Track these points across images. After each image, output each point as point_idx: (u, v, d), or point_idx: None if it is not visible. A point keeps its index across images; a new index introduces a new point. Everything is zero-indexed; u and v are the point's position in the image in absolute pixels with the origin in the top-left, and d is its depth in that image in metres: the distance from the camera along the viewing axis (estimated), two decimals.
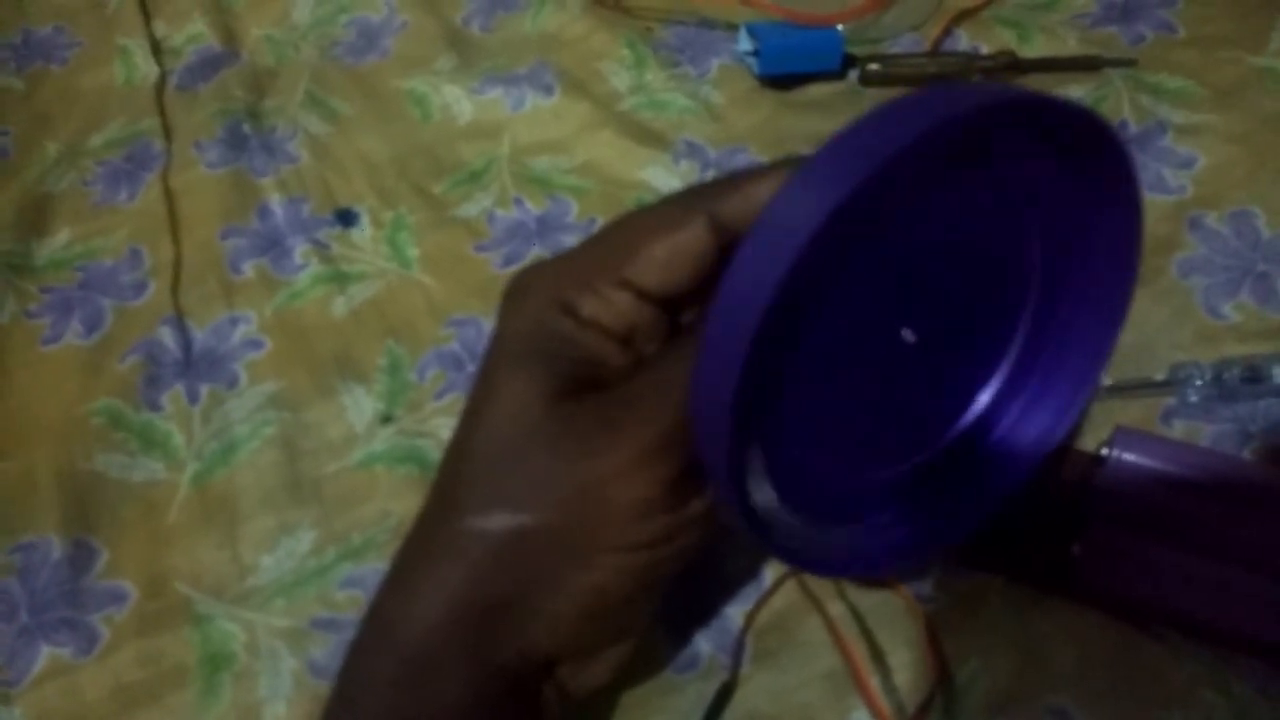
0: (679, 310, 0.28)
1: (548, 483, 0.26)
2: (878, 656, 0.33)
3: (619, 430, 0.25)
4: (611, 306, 0.27)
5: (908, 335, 0.28)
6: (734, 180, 0.27)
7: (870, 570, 0.33)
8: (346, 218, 0.49)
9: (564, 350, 0.27)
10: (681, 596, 0.34)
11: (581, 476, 0.25)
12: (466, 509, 0.26)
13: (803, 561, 0.29)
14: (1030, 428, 0.32)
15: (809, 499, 0.28)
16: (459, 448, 0.27)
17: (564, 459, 0.26)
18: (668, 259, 0.27)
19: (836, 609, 0.34)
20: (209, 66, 0.58)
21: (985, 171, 0.26)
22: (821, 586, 0.34)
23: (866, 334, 0.27)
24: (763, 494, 0.26)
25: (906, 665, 0.33)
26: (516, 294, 0.28)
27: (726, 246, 0.27)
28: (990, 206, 0.27)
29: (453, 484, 0.27)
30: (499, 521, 0.26)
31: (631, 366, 0.27)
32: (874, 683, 0.32)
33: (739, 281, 0.22)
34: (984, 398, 0.32)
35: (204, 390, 0.43)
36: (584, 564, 0.26)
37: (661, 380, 0.26)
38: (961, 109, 0.21)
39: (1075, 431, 0.36)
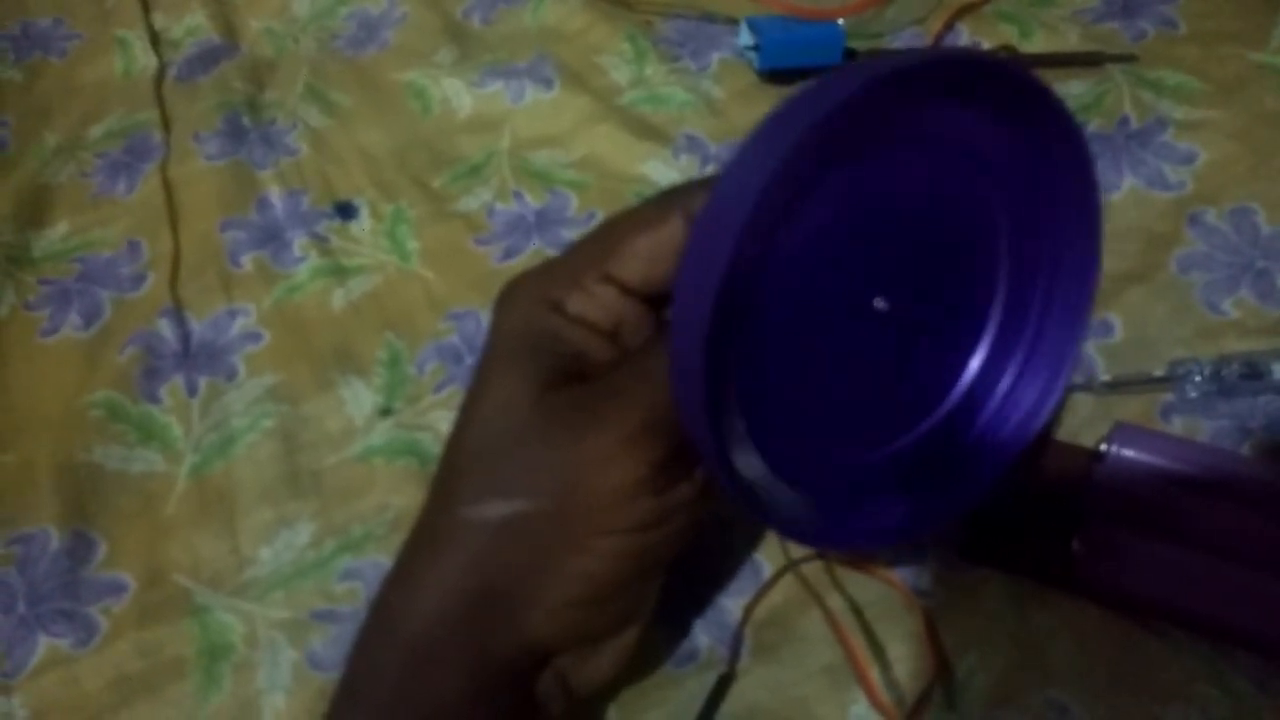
0: (663, 306, 0.29)
1: (537, 469, 0.26)
2: (876, 650, 0.33)
3: (604, 415, 0.26)
4: (596, 301, 0.28)
5: (880, 304, 0.28)
6: (713, 178, 0.28)
7: (864, 546, 0.33)
8: (346, 211, 0.49)
9: (552, 345, 0.27)
10: (680, 590, 0.34)
11: (569, 461, 0.26)
12: (461, 500, 0.27)
13: (796, 533, 0.30)
14: (1015, 407, 0.32)
15: (802, 475, 0.29)
16: (454, 442, 0.28)
17: (552, 445, 0.26)
18: (648, 254, 0.28)
19: (835, 602, 0.34)
20: (208, 58, 0.58)
21: (926, 138, 0.26)
22: (820, 580, 0.34)
23: (837, 302, 0.27)
24: (752, 468, 0.26)
25: (905, 659, 0.33)
26: (507, 296, 0.29)
27: None
28: (944, 176, 0.27)
29: (448, 477, 0.28)
30: (492, 510, 0.26)
31: (618, 359, 0.28)
32: (874, 675, 0.32)
33: (696, 254, 0.23)
34: (968, 375, 0.32)
35: (203, 382, 0.43)
36: (576, 548, 0.26)
37: (644, 367, 0.27)
38: (878, 74, 0.22)
39: (1059, 417, 0.36)
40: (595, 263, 0.28)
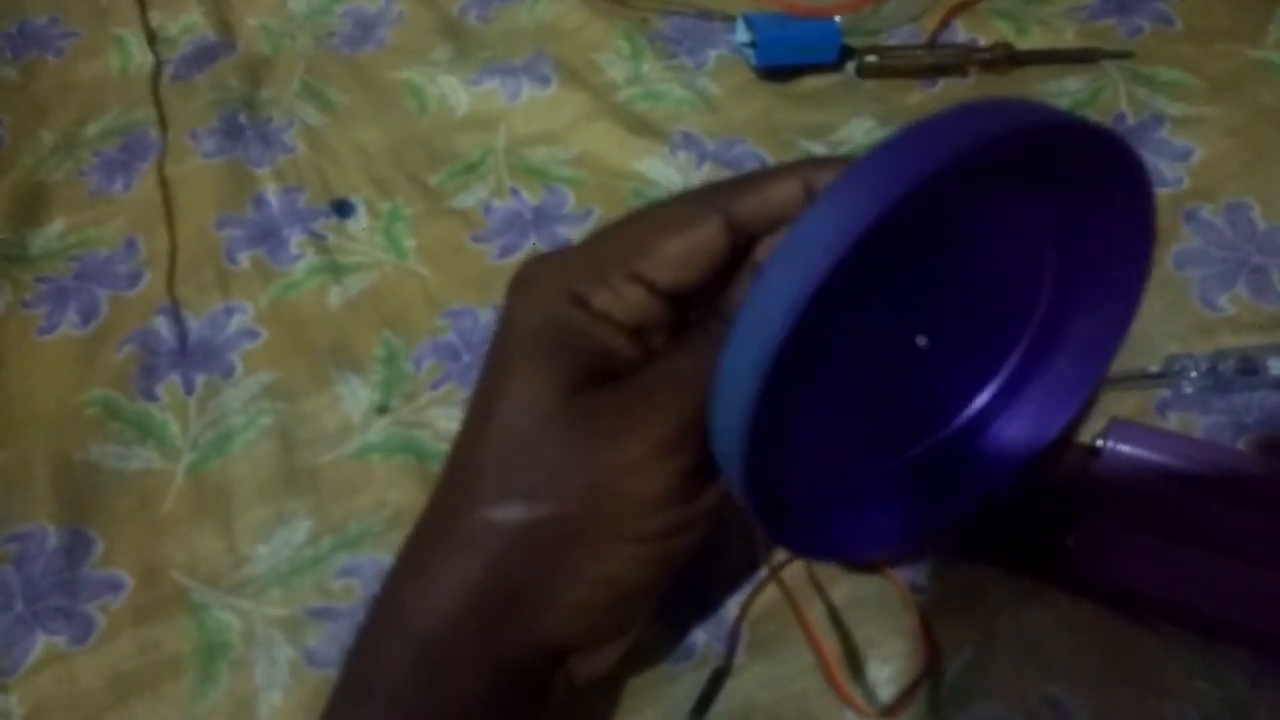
0: (687, 304, 0.28)
1: (565, 474, 0.26)
2: (858, 650, 0.33)
3: (637, 423, 0.25)
4: (623, 300, 0.27)
5: (922, 341, 0.28)
6: (750, 180, 0.27)
7: (865, 555, 0.33)
8: (343, 208, 0.49)
9: (575, 341, 0.27)
10: (677, 587, 0.34)
11: (600, 468, 0.25)
12: (483, 500, 0.26)
13: (805, 549, 0.30)
14: (1025, 426, 0.33)
15: (814, 487, 0.29)
16: (472, 438, 0.27)
17: (582, 451, 0.26)
18: (682, 256, 0.27)
19: (823, 603, 0.34)
20: (205, 56, 0.58)
21: (1013, 190, 0.26)
22: (800, 587, 0.34)
23: (881, 340, 0.27)
24: (772, 484, 0.26)
25: (901, 655, 0.33)
26: (525, 283, 0.28)
27: (740, 247, 0.27)
28: (1015, 220, 0.27)
29: (467, 475, 0.27)
30: (516, 513, 0.26)
31: (641, 358, 0.28)
32: (845, 678, 0.32)
33: (764, 300, 0.22)
34: (983, 396, 0.32)
35: (200, 380, 0.43)
36: (601, 555, 0.26)
37: (676, 373, 0.26)
38: (995, 131, 0.22)
39: (1071, 431, 0.36)
40: (623, 260, 0.27)
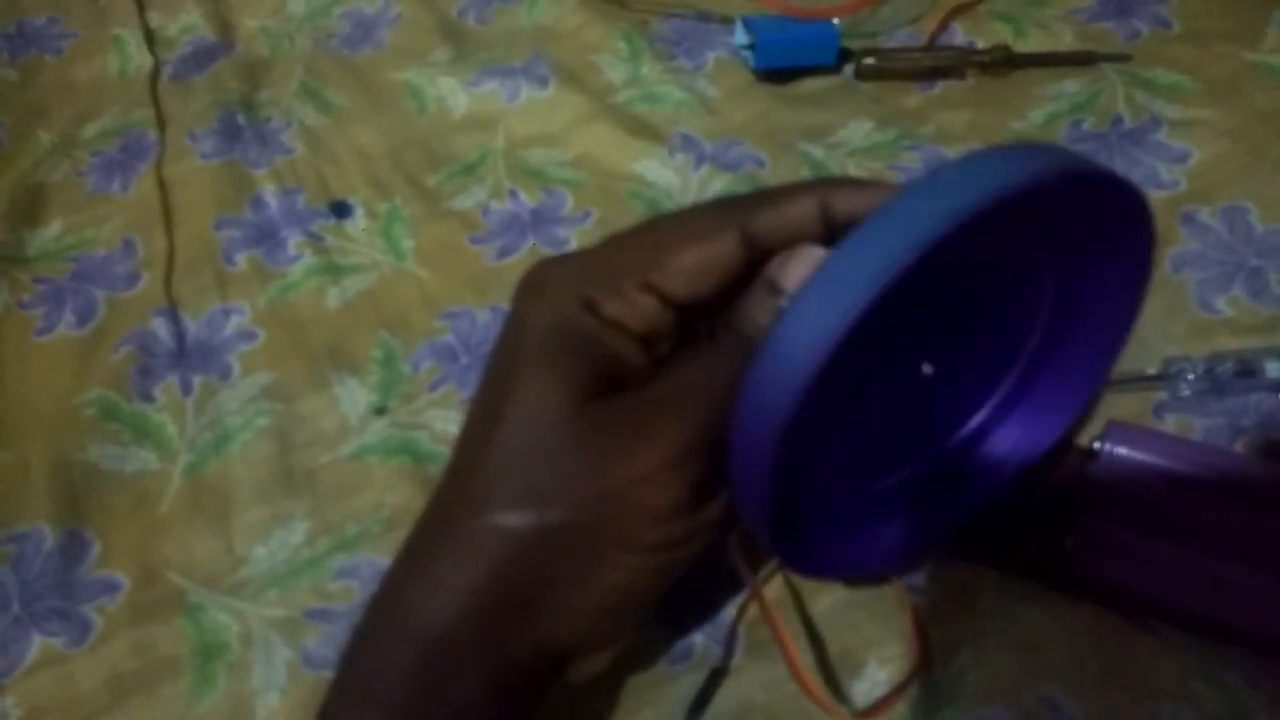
0: (695, 314, 0.28)
1: (576, 483, 0.26)
2: (855, 651, 0.33)
3: (649, 434, 0.26)
4: (635, 308, 0.27)
5: (928, 369, 0.29)
6: (768, 197, 0.28)
7: (865, 572, 0.33)
8: (341, 209, 0.49)
9: (586, 347, 0.27)
10: (676, 589, 0.34)
11: (610, 478, 0.25)
12: (490, 504, 0.26)
13: (809, 569, 0.31)
14: (1019, 439, 0.33)
15: (816, 507, 0.29)
16: (480, 441, 0.27)
17: (594, 460, 0.26)
18: (697, 268, 0.27)
19: (822, 604, 0.34)
20: (203, 57, 0.58)
21: (1027, 223, 0.26)
22: (785, 596, 0.34)
23: (888, 367, 0.28)
24: (780, 508, 0.26)
25: (900, 656, 0.33)
26: (535, 285, 0.28)
27: (755, 262, 0.27)
28: (1022, 250, 0.28)
29: (474, 478, 0.27)
30: (525, 519, 0.26)
31: (650, 366, 0.28)
32: (818, 684, 0.32)
33: (796, 335, 0.22)
34: (980, 415, 0.33)
35: (197, 381, 0.43)
36: (606, 563, 0.26)
37: (688, 386, 0.26)
38: (1026, 180, 0.22)
39: (1068, 438, 0.36)
40: (637, 269, 0.27)
